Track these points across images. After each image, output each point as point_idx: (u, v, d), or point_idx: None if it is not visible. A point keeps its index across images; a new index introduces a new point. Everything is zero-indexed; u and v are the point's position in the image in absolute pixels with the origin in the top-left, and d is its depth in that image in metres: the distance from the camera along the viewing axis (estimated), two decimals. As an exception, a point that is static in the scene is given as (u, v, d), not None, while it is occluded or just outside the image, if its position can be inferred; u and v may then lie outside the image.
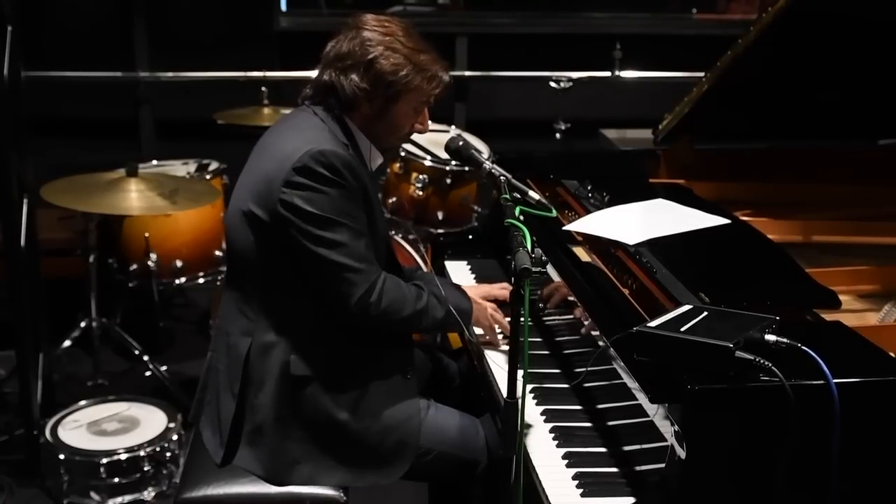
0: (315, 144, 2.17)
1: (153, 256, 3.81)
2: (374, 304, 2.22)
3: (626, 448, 2.00)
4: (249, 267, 2.31)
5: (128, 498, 3.23)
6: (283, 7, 5.44)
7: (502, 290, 2.61)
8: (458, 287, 2.58)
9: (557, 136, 4.50)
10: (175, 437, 3.29)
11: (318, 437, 2.27)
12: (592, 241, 2.48)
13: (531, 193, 2.30)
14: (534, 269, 1.82)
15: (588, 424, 2.15)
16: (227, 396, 2.32)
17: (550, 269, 2.49)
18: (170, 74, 5.32)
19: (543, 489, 1.94)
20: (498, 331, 2.51)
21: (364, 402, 2.28)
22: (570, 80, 4.45)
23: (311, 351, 2.27)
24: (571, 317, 2.39)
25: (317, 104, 2.30)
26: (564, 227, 2.56)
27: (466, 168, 3.90)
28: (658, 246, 2.33)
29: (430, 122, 2.39)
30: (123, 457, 3.19)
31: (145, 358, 3.94)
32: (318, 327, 2.27)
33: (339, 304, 2.22)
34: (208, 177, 4.14)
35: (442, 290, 2.58)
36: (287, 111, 3.07)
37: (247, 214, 2.24)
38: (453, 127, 4.40)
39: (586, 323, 2.29)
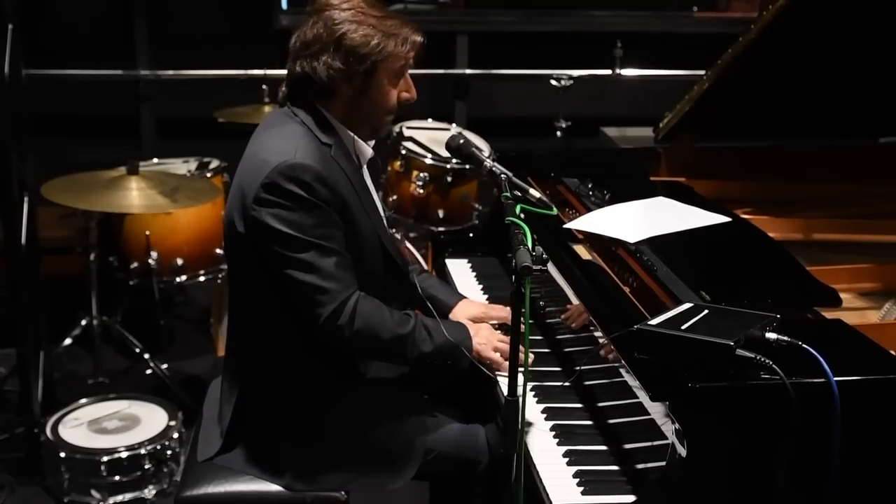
0: (285, 157, 2.11)
1: (154, 254, 3.81)
2: (345, 325, 2.14)
3: (627, 446, 2.00)
4: (240, 276, 2.30)
5: (128, 496, 3.23)
6: (284, 5, 5.44)
7: (500, 312, 2.48)
8: (454, 297, 2.54)
9: (558, 134, 4.50)
10: (176, 436, 3.29)
11: (323, 444, 2.26)
12: (593, 239, 2.48)
13: (532, 191, 2.29)
14: (534, 267, 1.81)
15: (589, 423, 2.15)
16: (228, 402, 2.32)
17: (551, 268, 2.49)
18: (170, 72, 5.32)
19: (544, 487, 1.94)
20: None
21: (367, 407, 2.27)
22: (570, 78, 4.45)
23: (307, 360, 2.26)
24: (588, 335, 2.33)
25: (296, 104, 2.25)
26: (565, 226, 2.56)
27: (467, 166, 3.90)
28: (659, 244, 2.33)
29: (415, 90, 2.29)
30: (124, 455, 3.19)
31: (146, 356, 3.94)
32: (313, 336, 2.24)
33: (307, 325, 2.16)
34: (209, 175, 4.14)
35: (437, 294, 2.55)
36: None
37: (231, 226, 2.22)
38: (454, 125, 4.40)
39: (602, 342, 2.22)
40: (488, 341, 2.33)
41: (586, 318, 2.31)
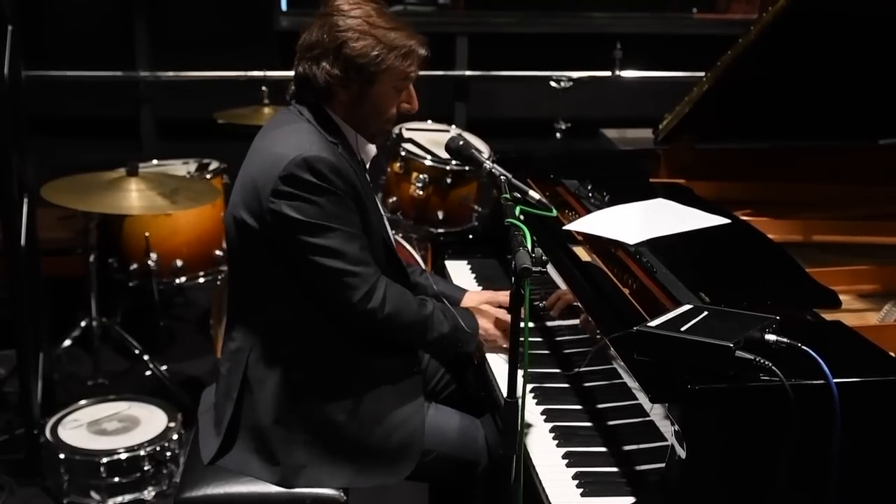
0: (299, 151, 2.13)
1: (153, 256, 3.81)
2: (377, 308, 2.19)
3: (627, 448, 2.00)
4: (246, 272, 2.30)
5: (128, 497, 3.23)
6: (284, 7, 5.45)
7: (506, 297, 2.51)
8: (460, 291, 2.59)
9: (558, 135, 4.51)
10: (175, 437, 3.29)
11: (320, 439, 2.26)
12: (593, 241, 2.48)
13: (531, 193, 2.30)
14: (534, 269, 1.82)
15: (588, 424, 2.15)
16: (227, 402, 2.32)
17: (551, 269, 2.49)
18: (170, 74, 5.32)
19: (544, 489, 1.94)
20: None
21: (367, 403, 2.27)
22: (570, 79, 4.46)
23: (311, 355, 2.26)
24: (576, 322, 2.37)
25: (302, 103, 2.28)
26: (565, 227, 2.56)
27: (467, 168, 3.90)
28: (658, 246, 2.33)
29: (416, 100, 2.32)
30: (123, 456, 3.19)
31: (145, 357, 3.94)
32: (318, 332, 2.25)
33: (341, 309, 2.20)
34: (208, 176, 4.14)
35: (445, 290, 2.58)
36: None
37: (238, 222, 2.22)
38: (454, 126, 4.41)
39: (591, 330, 2.26)
40: (491, 319, 2.43)
41: (570, 300, 2.35)
